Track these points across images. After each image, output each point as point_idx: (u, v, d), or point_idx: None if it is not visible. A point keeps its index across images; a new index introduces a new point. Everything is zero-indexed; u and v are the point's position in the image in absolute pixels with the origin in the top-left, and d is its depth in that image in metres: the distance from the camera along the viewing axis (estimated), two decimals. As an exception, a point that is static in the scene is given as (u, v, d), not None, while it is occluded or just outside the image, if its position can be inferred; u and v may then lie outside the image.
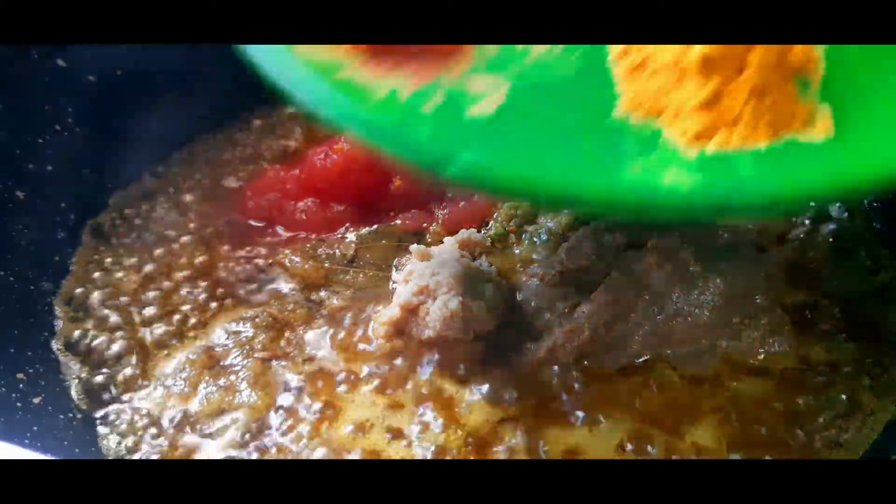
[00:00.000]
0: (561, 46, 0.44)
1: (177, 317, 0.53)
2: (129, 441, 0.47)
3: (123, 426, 0.48)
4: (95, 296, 0.55)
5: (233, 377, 0.50)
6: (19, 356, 0.50)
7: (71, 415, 0.49)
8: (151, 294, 0.55)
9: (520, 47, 0.44)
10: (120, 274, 0.56)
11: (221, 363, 0.50)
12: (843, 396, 0.48)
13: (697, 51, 0.39)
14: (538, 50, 0.44)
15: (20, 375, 0.49)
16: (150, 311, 0.54)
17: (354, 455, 0.46)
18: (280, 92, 0.42)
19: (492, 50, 0.44)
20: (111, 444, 0.47)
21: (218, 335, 0.52)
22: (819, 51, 0.42)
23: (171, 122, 0.63)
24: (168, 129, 0.64)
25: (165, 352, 0.52)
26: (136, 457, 0.46)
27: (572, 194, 0.38)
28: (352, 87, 0.42)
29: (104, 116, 0.61)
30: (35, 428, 0.46)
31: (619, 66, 0.42)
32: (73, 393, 0.50)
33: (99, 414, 0.49)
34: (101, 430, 0.48)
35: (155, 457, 0.46)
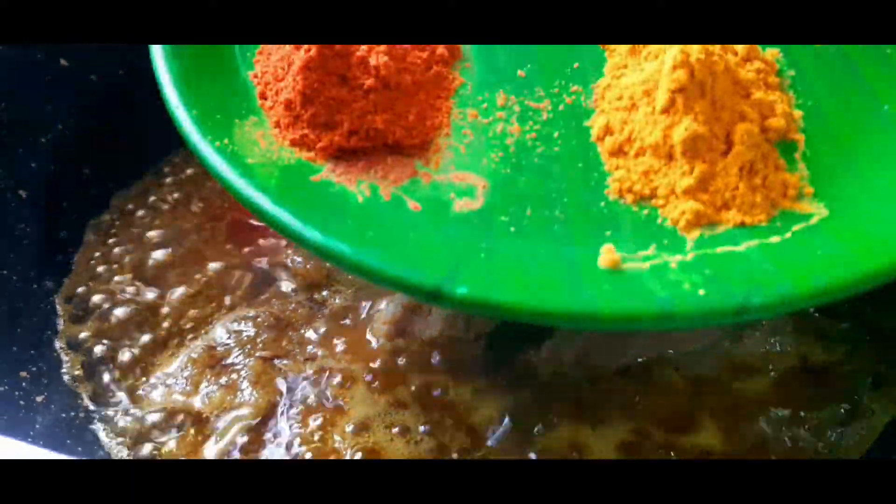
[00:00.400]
0: (538, 128, 0.43)
1: (178, 315, 0.54)
2: (131, 439, 0.47)
3: (125, 424, 0.48)
4: (97, 294, 0.55)
5: (234, 376, 0.50)
6: (22, 355, 0.50)
7: (73, 413, 0.49)
8: (152, 293, 0.55)
9: (497, 131, 0.43)
10: (121, 273, 0.56)
11: (223, 362, 0.51)
12: (844, 396, 0.48)
13: (680, 134, 0.39)
14: (514, 137, 0.43)
15: (23, 374, 0.49)
16: (151, 311, 0.54)
17: (355, 454, 0.46)
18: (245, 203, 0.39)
19: (467, 138, 0.42)
20: (113, 443, 0.47)
21: (219, 334, 0.52)
22: (798, 114, 0.42)
23: (173, 122, 0.63)
24: (170, 129, 0.64)
25: (167, 351, 0.52)
26: (138, 455, 0.47)
27: (584, 309, 0.35)
28: (329, 190, 0.40)
29: (106, 116, 0.61)
30: (37, 426, 0.46)
31: (603, 145, 0.42)
32: (75, 391, 0.50)
33: (101, 412, 0.49)
34: (103, 428, 0.48)
35: (156, 455, 0.46)
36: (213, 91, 0.44)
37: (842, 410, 0.48)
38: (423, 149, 0.42)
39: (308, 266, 0.56)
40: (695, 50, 0.40)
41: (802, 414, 0.47)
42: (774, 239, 0.38)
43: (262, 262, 0.57)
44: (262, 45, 0.45)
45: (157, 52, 0.44)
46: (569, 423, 0.47)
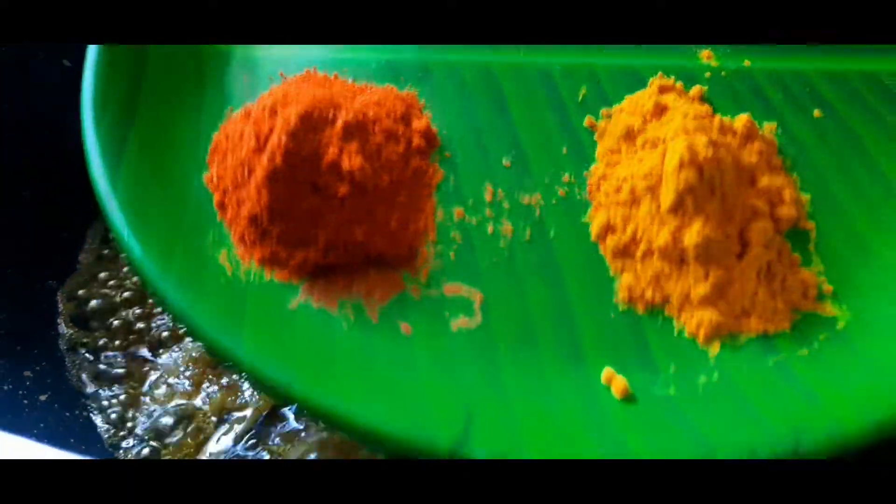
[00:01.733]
0: (532, 227, 0.39)
1: (181, 315, 0.54)
2: (133, 438, 0.48)
3: (127, 423, 0.48)
4: (100, 294, 0.55)
5: (236, 377, 0.50)
6: (26, 354, 0.50)
7: (77, 412, 0.49)
8: (156, 293, 0.55)
9: (488, 232, 0.39)
10: (125, 273, 0.57)
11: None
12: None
13: (692, 239, 0.36)
14: (507, 239, 0.39)
15: (27, 373, 0.49)
16: (154, 310, 0.54)
17: (357, 454, 0.46)
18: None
19: (455, 243, 0.38)
20: (115, 442, 0.47)
21: (221, 334, 0.52)
22: (805, 198, 0.39)
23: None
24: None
25: (169, 350, 0.52)
26: (140, 453, 0.47)
27: (616, 455, 0.31)
28: (309, 319, 0.35)
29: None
30: (42, 425, 0.46)
31: (605, 245, 0.38)
32: (78, 390, 0.50)
33: (103, 411, 0.49)
34: (106, 426, 0.48)
35: (157, 455, 0.46)
36: (164, 207, 0.39)
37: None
38: (408, 258, 0.38)
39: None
40: (701, 145, 0.36)
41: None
42: (802, 352, 0.35)
43: (264, 262, 0.57)
44: (215, 142, 0.40)
45: (97, 169, 0.39)
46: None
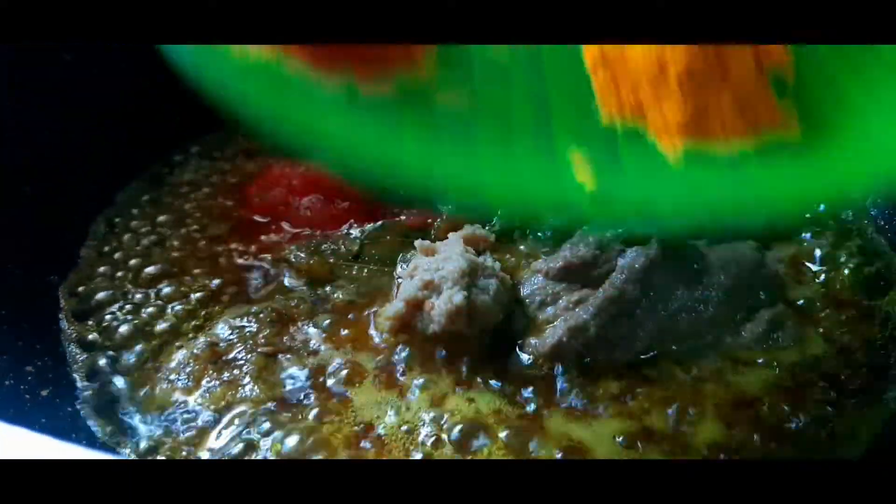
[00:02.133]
0: (528, 57, 0.43)
1: (182, 311, 0.54)
2: (133, 434, 0.48)
3: (127, 419, 0.48)
4: (102, 290, 0.55)
5: (236, 371, 0.50)
6: (27, 349, 0.51)
7: (78, 407, 0.49)
8: (157, 289, 0.55)
9: (491, 56, 0.43)
10: (126, 268, 0.57)
11: (225, 357, 0.51)
12: (846, 389, 0.48)
13: (676, 66, 0.40)
14: (503, 60, 0.43)
15: (28, 368, 0.49)
16: (155, 306, 0.54)
17: (358, 450, 0.46)
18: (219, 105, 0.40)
19: (452, 56, 0.43)
20: (115, 438, 0.47)
21: (222, 330, 0.52)
22: (790, 51, 0.42)
23: (179, 118, 0.64)
24: (175, 126, 0.64)
25: (170, 346, 0.52)
26: (139, 448, 0.47)
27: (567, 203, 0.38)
28: (302, 82, 0.40)
29: (111, 113, 0.61)
30: (43, 419, 0.47)
31: (598, 76, 0.42)
32: (79, 386, 0.50)
33: (104, 406, 0.49)
34: (106, 422, 0.48)
35: (158, 450, 0.47)
36: None
37: (843, 406, 0.47)
38: (404, 58, 0.42)
39: (311, 262, 0.56)
40: None
41: (803, 409, 0.47)
42: (761, 161, 0.40)
43: (265, 259, 0.57)
44: None
45: None
46: (571, 418, 0.47)
